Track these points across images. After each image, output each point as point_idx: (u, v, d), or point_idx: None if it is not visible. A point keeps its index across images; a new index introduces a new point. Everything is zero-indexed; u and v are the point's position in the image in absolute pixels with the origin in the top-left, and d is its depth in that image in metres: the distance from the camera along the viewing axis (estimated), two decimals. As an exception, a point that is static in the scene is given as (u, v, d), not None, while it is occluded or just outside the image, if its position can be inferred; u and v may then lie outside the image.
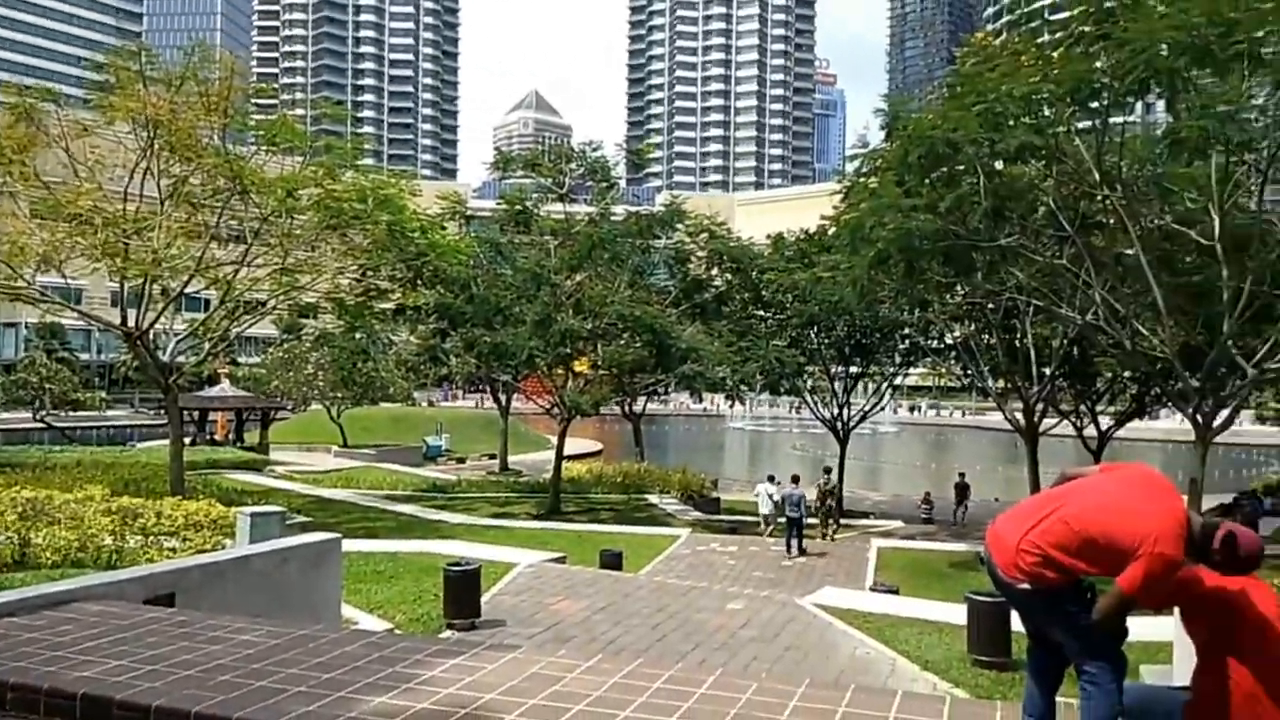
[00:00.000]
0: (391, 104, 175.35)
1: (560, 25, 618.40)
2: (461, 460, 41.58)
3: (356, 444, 41.15)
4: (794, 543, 19.44)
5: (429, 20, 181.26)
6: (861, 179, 22.29)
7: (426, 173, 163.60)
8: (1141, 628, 9.61)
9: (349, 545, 13.71)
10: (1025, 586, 3.42)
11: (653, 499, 27.11)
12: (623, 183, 36.99)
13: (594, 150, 25.43)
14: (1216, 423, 17.24)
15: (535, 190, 27.74)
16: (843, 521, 22.47)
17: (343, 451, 40.01)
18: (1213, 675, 3.31)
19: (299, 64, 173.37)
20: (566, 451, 28.57)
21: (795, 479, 21.77)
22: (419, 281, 23.05)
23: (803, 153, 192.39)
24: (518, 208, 26.00)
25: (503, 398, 39.11)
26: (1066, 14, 16.72)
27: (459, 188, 60.10)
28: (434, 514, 22.31)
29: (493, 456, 40.52)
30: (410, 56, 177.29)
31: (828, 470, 24.31)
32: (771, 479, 23.21)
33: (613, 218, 26.17)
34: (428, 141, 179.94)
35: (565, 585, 11.09)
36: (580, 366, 26.33)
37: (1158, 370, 20.08)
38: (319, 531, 7.91)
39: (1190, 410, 17.03)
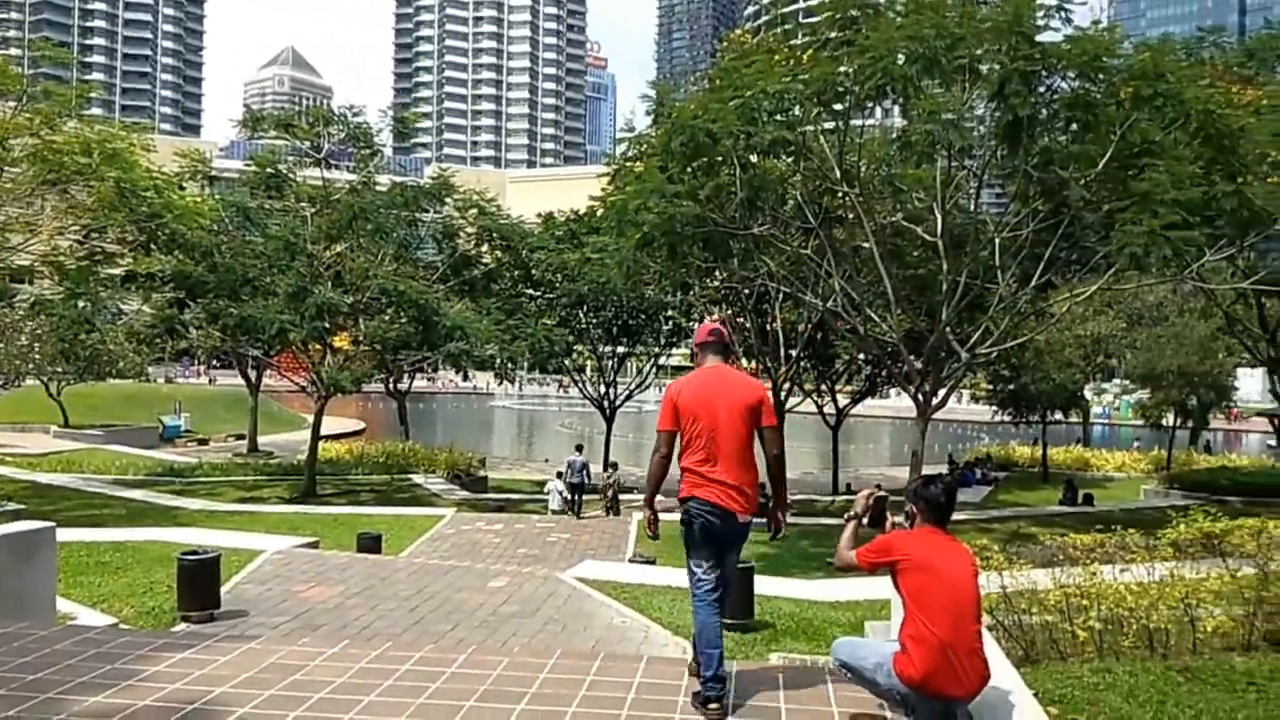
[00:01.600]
0: (126, 50, 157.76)
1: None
2: (204, 441, 38.62)
3: (80, 424, 37.19)
4: (573, 509, 21.47)
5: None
6: (628, 163, 22.84)
7: (166, 127, 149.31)
8: (867, 588, 10.58)
9: (70, 535, 12.38)
10: (749, 519, 4.45)
11: (418, 479, 26.46)
12: (388, 151, 35.63)
13: (355, 115, 24.22)
14: (935, 401, 19.17)
15: (290, 153, 26.05)
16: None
17: (64, 432, 36.05)
18: (906, 625, 3.75)
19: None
20: (326, 431, 27.25)
21: (579, 448, 23.59)
22: (153, 246, 21.03)
23: (575, 133, 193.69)
24: (269, 170, 24.33)
25: (253, 374, 36.67)
26: (816, 19, 17.80)
27: (203, 145, 55.29)
28: (170, 499, 20.58)
29: (241, 437, 37.95)
30: (150, 3, 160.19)
31: (613, 465, 24.77)
32: (560, 475, 23.53)
33: (377, 187, 25.09)
34: (168, 94, 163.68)
35: (316, 571, 10.59)
36: (340, 342, 25.15)
37: (887, 353, 22.05)
38: (32, 520, 7.08)
39: (913, 390, 18.82)
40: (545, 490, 23.46)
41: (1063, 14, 15.05)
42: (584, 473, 22.35)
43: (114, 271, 21.32)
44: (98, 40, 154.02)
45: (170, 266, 21.44)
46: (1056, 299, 19.35)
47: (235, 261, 21.72)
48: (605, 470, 24.29)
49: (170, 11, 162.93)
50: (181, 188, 21.82)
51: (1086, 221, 15.81)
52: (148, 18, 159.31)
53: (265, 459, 31.37)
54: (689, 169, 17.90)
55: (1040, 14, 14.42)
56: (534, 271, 29.61)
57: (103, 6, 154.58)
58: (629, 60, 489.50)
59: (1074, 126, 14.89)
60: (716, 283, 25.88)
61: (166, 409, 41.86)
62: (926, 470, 18.15)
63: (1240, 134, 13.80)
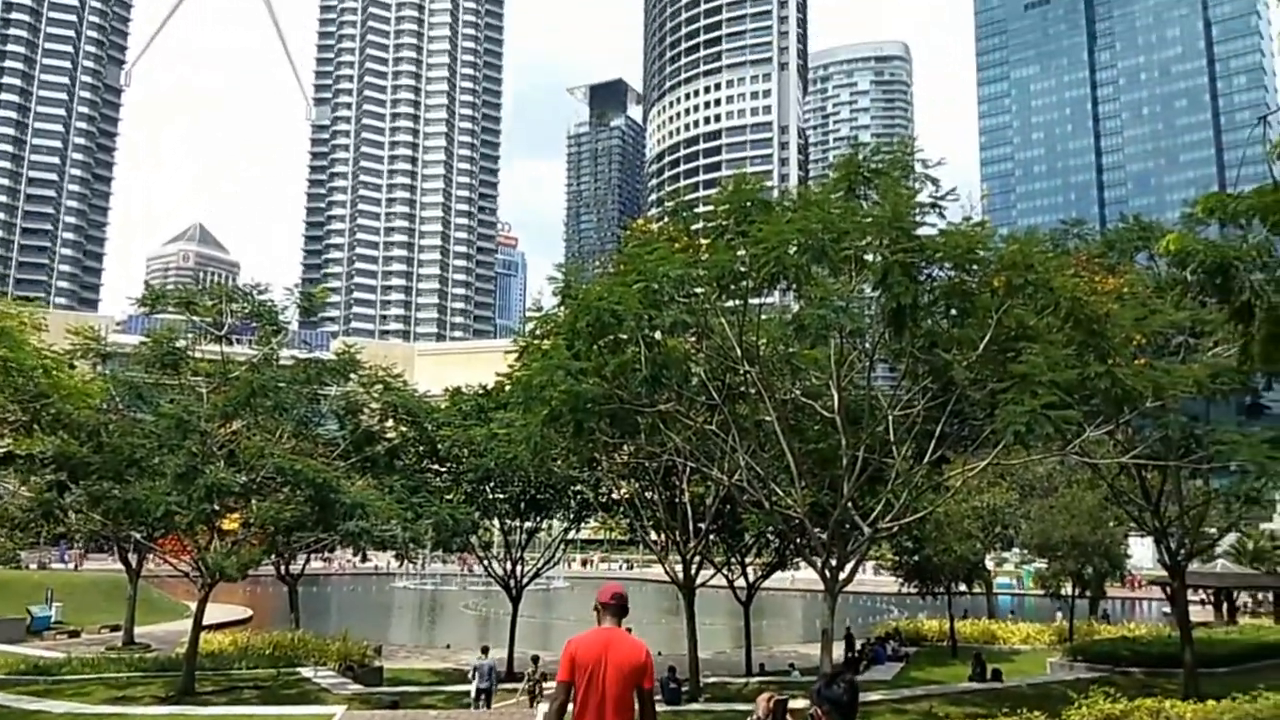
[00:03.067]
0: (26, 224, 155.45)
1: (236, 152, 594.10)
2: (75, 633, 35.63)
3: (-67, 618, 33.98)
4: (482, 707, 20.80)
5: (82, 125, 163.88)
6: (535, 340, 23.18)
7: (61, 301, 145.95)
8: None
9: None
10: None
11: (307, 672, 24.77)
12: (294, 325, 35.39)
13: (260, 293, 24.12)
14: (843, 575, 19.19)
15: (190, 329, 25.58)
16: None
17: (-87, 627, 32.84)
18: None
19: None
20: (209, 620, 25.49)
21: (485, 650, 23.34)
22: (36, 426, 20.04)
23: (485, 307, 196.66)
24: (166, 348, 23.79)
25: (133, 559, 34.42)
26: (713, 208, 18.88)
27: (99, 320, 54.05)
28: (32, 702, 18.75)
29: (117, 628, 35.16)
30: (54, 174, 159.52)
31: (535, 659, 23.77)
32: (485, 650, 23.34)
33: (279, 363, 24.70)
34: (66, 268, 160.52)
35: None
36: (229, 524, 23.98)
37: (793, 526, 22.15)
38: None
39: (820, 564, 18.84)
40: (470, 673, 22.59)
41: (938, 210, 16.36)
42: (492, 676, 21.85)
43: (-11, 452, 20.15)
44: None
45: (53, 447, 20.40)
46: (951, 473, 19.96)
47: (123, 441, 20.80)
48: (530, 664, 23.34)
49: (75, 188, 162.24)
50: (72, 366, 21.07)
51: (973, 400, 16.58)
52: (50, 193, 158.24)
53: (141, 652, 29.03)
54: (595, 347, 18.28)
55: (917, 211, 15.61)
56: (440, 447, 29.15)
57: (4, 182, 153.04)
58: (539, 238, 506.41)
59: (953, 312, 15.87)
60: (624, 457, 25.91)
61: (37, 598, 38.70)
62: (839, 647, 17.95)
63: (1107, 319, 14.91)
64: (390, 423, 29.08)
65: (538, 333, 23.20)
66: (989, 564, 39.99)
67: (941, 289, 15.62)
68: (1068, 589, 33.23)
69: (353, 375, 26.80)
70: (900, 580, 32.66)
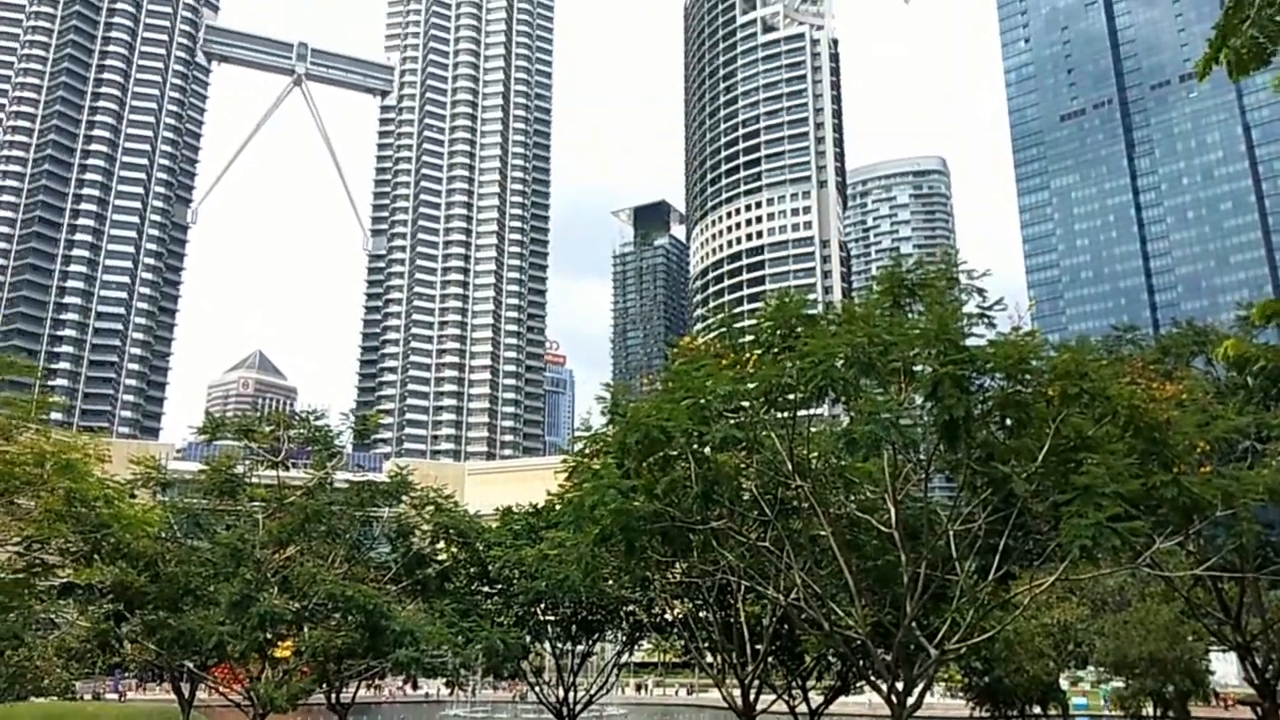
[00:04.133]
0: (93, 356, 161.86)
1: (294, 284, 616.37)
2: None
3: (-15, 753, 33.77)
4: None
5: (149, 261, 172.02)
6: (585, 459, 23.18)
7: (124, 430, 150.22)
8: None
9: None
10: None
11: (355, 806, 24.05)
12: (348, 448, 35.92)
13: (317, 418, 24.67)
14: (910, 700, 18.35)
15: (247, 455, 26.13)
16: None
17: (-37, 763, 32.61)
18: None
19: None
20: (257, 752, 25.02)
21: None
22: (96, 556, 20.38)
23: (534, 425, 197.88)
24: (224, 475, 24.26)
25: (186, 688, 34.17)
26: (757, 323, 19.06)
27: (159, 448, 55.39)
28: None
29: (165, 761, 34.64)
30: (122, 308, 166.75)
31: None
32: None
33: (334, 486, 25.02)
34: (129, 398, 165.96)
35: None
36: (281, 651, 23.84)
37: (855, 648, 21.37)
38: None
39: (885, 688, 18.06)
40: None
41: (986, 320, 16.32)
42: None
43: (52, 583, 20.49)
44: (65, 348, 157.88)
45: (111, 577, 20.68)
46: (1018, 589, 19.23)
47: (179, 570, 21.06)
48: None
49: (141, 320, 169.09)
50: (132, 495, 21.54)
51: (1035, 512, 16.12)
52: (118, 326, 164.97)
53: (190, 787, 28.48)
54: (645, 464, 18.22)
55: (964, 322, 15.58)
56: (490, 568, 28.93)
57: (74, 317, 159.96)
58: (586, 355, 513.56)
59: (1009, 423, 15.61)
60: (677, 576, 25.43)
61: (87, 731, 38.46)
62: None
63: (1168, 426, 14.55)
64: (441, 544, 29.04)
65: (587, 451, 23.24)
66: (1064, 683, 37.96)
67: (995, 400, 15.42)
68: (1149, 709, 31.37)
69: (404, 497, 27.00)
70: (971, 704, 31.09)
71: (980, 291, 17.01)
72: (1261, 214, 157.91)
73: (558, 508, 27.40)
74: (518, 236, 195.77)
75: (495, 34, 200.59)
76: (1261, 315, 11.00)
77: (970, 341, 15.93)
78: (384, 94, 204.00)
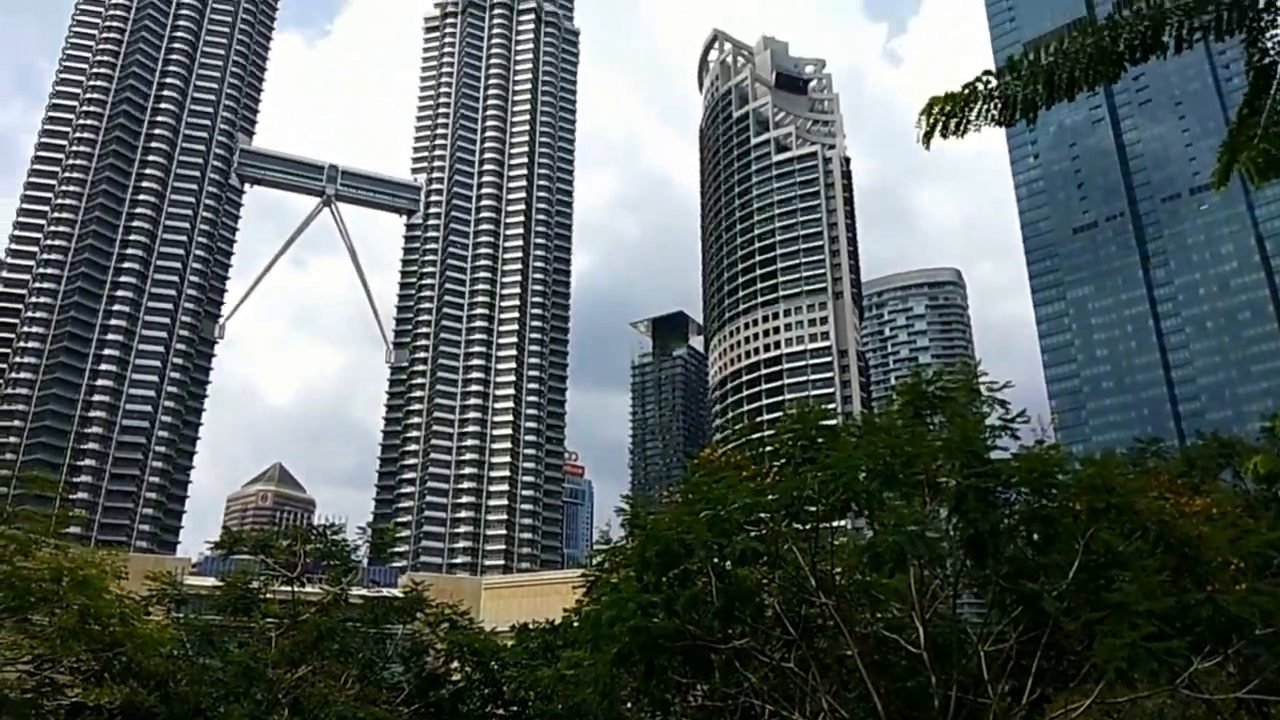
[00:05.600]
0: (115, 470, 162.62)
1: (318, 396, 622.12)
2: None
3: None
4: None
5: (175, 375, 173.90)
6: (603, 573, 22.79)
7: (142, 544, 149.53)
8: None
9: None
10: None
11: None
12: (364, 562, 35.55)
13: (334, 532, 24.53)
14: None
15: (262, 571, 25.91)
16: None
17: None
18: None
19: (15, 423, 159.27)
20: None
21: None
22: (107, 675, 20.02)
23: (552, 537, 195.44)
24: (239, 591, 24.01)
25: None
26: (777, 434, 18.96)
27: (176, 563, 54.97)
28: None
29: None
30: (146, 422, 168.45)
31: None
32: None
33: (349, 601, 24.68)
34: (149, 511, 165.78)
35: None
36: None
37: (886, 776, 20.38)
38: None
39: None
40: None
41: (1010, 433, 16.19)
42: None
43: (61, 702, 20.08)
44: (88, 462, 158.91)
45: (121, 697, 20.25)
46: (1053, 712, 18.43)
47: (190, 689, 20.61)
48: None
49: (164, 434, 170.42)
50: (148, 612, 21.31)
51: (1068, 631, 15.62)
52: (141, 439, 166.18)
53: None
54: (664, 579, 17.88)
55: (987, 434, 15.47)
56: (505, 690, 28.16)
57: (98, 430, 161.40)
58: (606, 466, 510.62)
59: (1036, 538, 15.31)
60: (698, 699, 24.58)
61: None
62: None
63: (1199, 541, 14.21)
64: (456, 663, 28.39)
65: (605, 565, 22.88)
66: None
67: (1021, 514, 15.17)
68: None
69: (419, 613, 26.55)
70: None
71: (1002, 403, 16.93)
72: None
73: (575, 624, 26.85)
74: (537, 348, 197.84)
75: (519, 154, 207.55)
76: (1288, 428, 10.88)
77: (994, 454, 15.78)
78: (410, 213, 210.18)
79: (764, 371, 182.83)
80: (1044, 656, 15.96)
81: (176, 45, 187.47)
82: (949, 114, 7.36)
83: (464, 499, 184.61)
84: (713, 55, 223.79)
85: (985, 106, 7.32)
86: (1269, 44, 6.87)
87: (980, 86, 7.31)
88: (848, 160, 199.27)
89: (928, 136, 7.49)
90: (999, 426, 16.14)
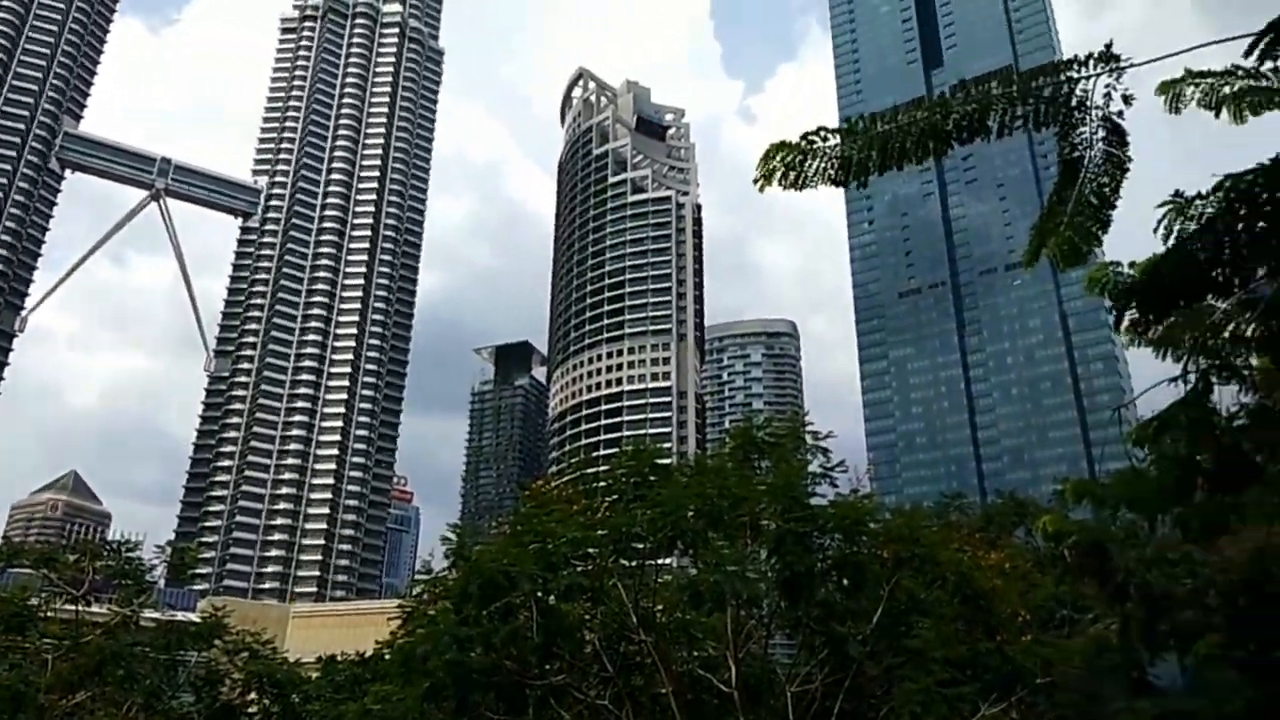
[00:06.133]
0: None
1: (123, 400, 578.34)
2: None
3: None
4: None
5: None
6: (422, 605, 22.10)
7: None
8: None
9: None
10: None
11: None
12: (161, 583, 33.11)
13: (129, 550, 22.70)
14: None
15: (44, 587, 23.65)
16: None
17: None
18: None
19: None
20: None
21: None
22: None
23: (372, 565, 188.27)
24: (15, 608, 21.80)
25: None
26: (609, 468, 19.06)
27: (-58, 574, 49.34)
28: None
29: None
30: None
31: None
32: None
33: (140, 624, 22.83)
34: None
35: None
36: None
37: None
38: None
39: None
40: None
41: (829, 480, 16.89)
42: None
43: None
44: None
45: None
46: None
47: (-60, 716, 18.42)
48: None
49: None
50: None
51: (870, 674, 16.31)
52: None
53: None
54: (485, 612, 17.50)
55: (809, 481, 16.08)
56: (306, 723, 26.69)
57: None
58: (436, 493, 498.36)
59: (846, 582, 15.97)
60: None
61: None
62: None
63: (992, 593, 15.21)
64: (254, 695, 26.71)
65: (425, 596, 22.21)
66: None
67: (834, 559, 15.80)
68: None
69: (217, 640, 24.86)
70: None
71: (825, 451, 17.66)
72: (1076, 395, 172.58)
73: (387, 656, 25.82)
74: (374, 367, 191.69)
75: (371, 167, 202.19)
76: (1074, 495, 11.85)
77: (814, 500, 16.40)
78: (247, 215, 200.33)
79: (604, 407, 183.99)
80: (847, 699, 16.58)
81: (2, 15, 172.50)
82: (787, 164, 7.67)
83: (279, 520, 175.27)
84: (577, 92, 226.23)
85: (822, 164, 7.67)
86: (1078, 140, 7.56)
87: (819, 142, 7.65)
88: (699, 208, 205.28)
89: (765, 180, 7.77)
90: (820, 474, 16.83)
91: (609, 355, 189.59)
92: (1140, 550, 14.34)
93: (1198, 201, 7.41)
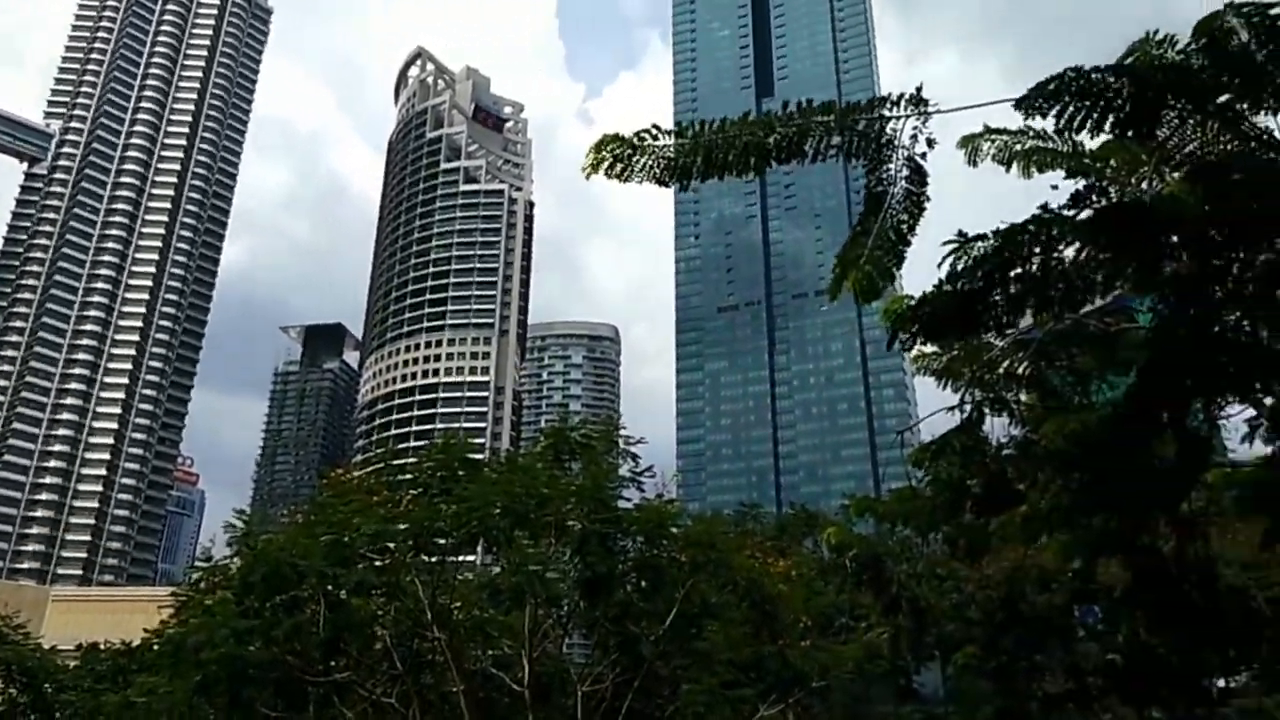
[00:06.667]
0: None
1: None
2: None
3: None
4: None
5: None
6: (198, 595, 20.79)
7: None
8: None
9: None
10: None
11: None
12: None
13: None
14: None
15: None
16: None
17: None
18: None
19: None
20: None
21: None
22: None
23: (147, 549, 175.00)
24: None
25: None
26: (417, 460, 18.60)
27: None
28: None
29: None
30: None
31: None
32: None
33: None
34: None
35: None
36: None
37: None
38: None
39: None
40: None
41: (637, 484, 17.21)
42: None
43: None
44: None
45: None
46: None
47: None
48: None
49: None
50: None
51: (661, 674, 16.71)
52: None
53: None
54: (269, 604, 16.66)
55: (617, 484, 16.31)
56: (58, 716, 24.58)
57: None
58: (227, 476, 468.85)
59: (644, 584, 16.31)
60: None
61: None
62: None
63: (779, 599, 15.95)
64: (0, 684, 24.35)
65: (204, 584, 20.90)
66: None
67: (634, 561, 16.10)
68: None
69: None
70: None
71: (635, 456, 17.99)
72: (869, 417, 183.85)
73: (156, 647, 24.11)
74: (166, 337, 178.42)
75: (180, 122, 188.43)
76: (857, 510, 12.63)
77: (621, 504, 16.65)
78: (35, 160, 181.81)
79: (419, 398, 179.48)
80: (636, 698, 16.92)
81: None
82: (616, 156, 7.80)
83: (44, 495, 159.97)
84: (414, 71, 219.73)
85: (649, 161, 7.84)
86: (884, 176, 8.09)
87: (649, 140, 7.82)
88: (532, 205, 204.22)
89: (593, 169, 7.88)
90: (629, 478, 17.10)
91: (427, 345, 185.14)
92: (913, 565, 15.46)
93: (977, 243, 8.10)
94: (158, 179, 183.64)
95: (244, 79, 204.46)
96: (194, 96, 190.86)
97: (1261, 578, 21.25)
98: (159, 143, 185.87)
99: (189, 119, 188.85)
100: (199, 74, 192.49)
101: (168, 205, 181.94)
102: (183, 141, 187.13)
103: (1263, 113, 8.08)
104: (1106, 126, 7.75)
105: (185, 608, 21.15)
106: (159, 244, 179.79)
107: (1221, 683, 24.88)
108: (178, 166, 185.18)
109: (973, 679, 26.40)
